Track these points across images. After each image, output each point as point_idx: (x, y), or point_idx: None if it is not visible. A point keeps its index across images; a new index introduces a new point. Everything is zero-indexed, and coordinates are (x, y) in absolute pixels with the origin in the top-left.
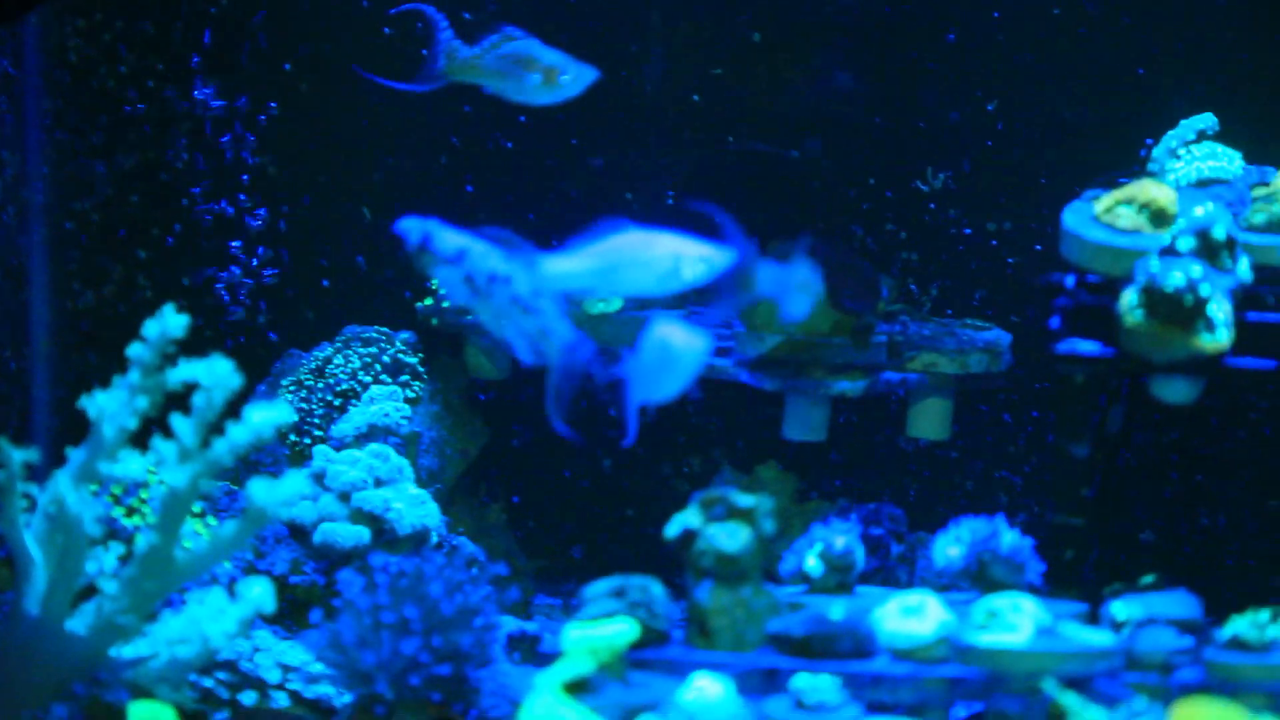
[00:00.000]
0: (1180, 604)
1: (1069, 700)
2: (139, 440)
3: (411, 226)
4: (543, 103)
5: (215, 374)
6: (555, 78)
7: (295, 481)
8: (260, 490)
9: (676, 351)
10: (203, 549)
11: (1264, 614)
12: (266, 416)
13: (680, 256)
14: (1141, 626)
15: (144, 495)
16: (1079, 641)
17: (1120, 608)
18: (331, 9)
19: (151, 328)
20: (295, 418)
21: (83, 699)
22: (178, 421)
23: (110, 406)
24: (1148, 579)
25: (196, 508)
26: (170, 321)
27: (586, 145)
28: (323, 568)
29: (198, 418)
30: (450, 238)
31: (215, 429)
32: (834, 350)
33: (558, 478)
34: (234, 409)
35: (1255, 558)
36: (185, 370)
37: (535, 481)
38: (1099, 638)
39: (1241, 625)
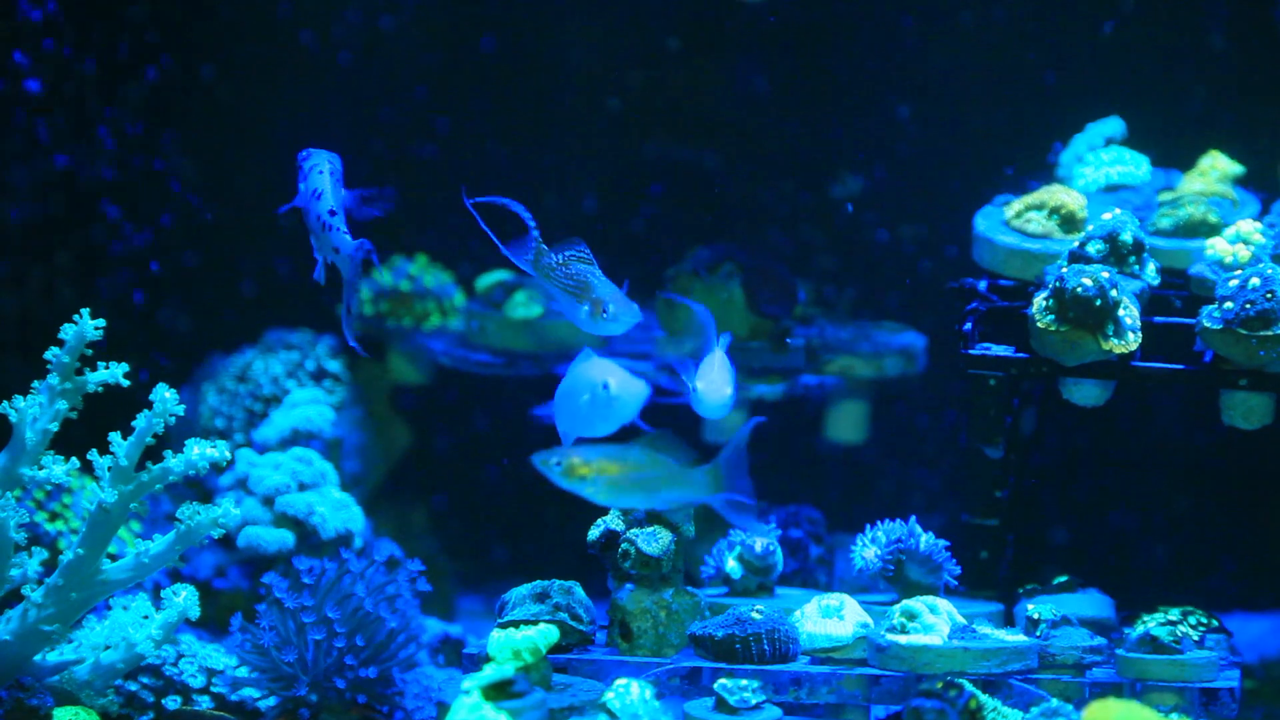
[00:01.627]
0: (1093, 603)
1: (984, 700)
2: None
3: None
4: (590, 332)
5: (160, 401)
6: (600, 311)
7: (227, 505)
8: (189, 513)
9: (613, 395)
10: (129, 563)
11: (1174, 612)
12: (204, 453)
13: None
14: (1055, 626)
15: (67, 500)
16: (994, 641)
17: (1034, 608)
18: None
19: (68, 331)
20: (230, 456)
21: (6, 704)
22: (116, 441)
23: (31, 411)
24: (1061, 579)
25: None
26: (86, 325)
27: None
28: (247, 572)
29: (136, 439)
30: (315, 160)
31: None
32: (752, 354)
33: (480, 481)
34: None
35: (1166, 557)
36: (104, 374)
37: (458, 485)
38: (1013, 637)
39: (1153, 624)
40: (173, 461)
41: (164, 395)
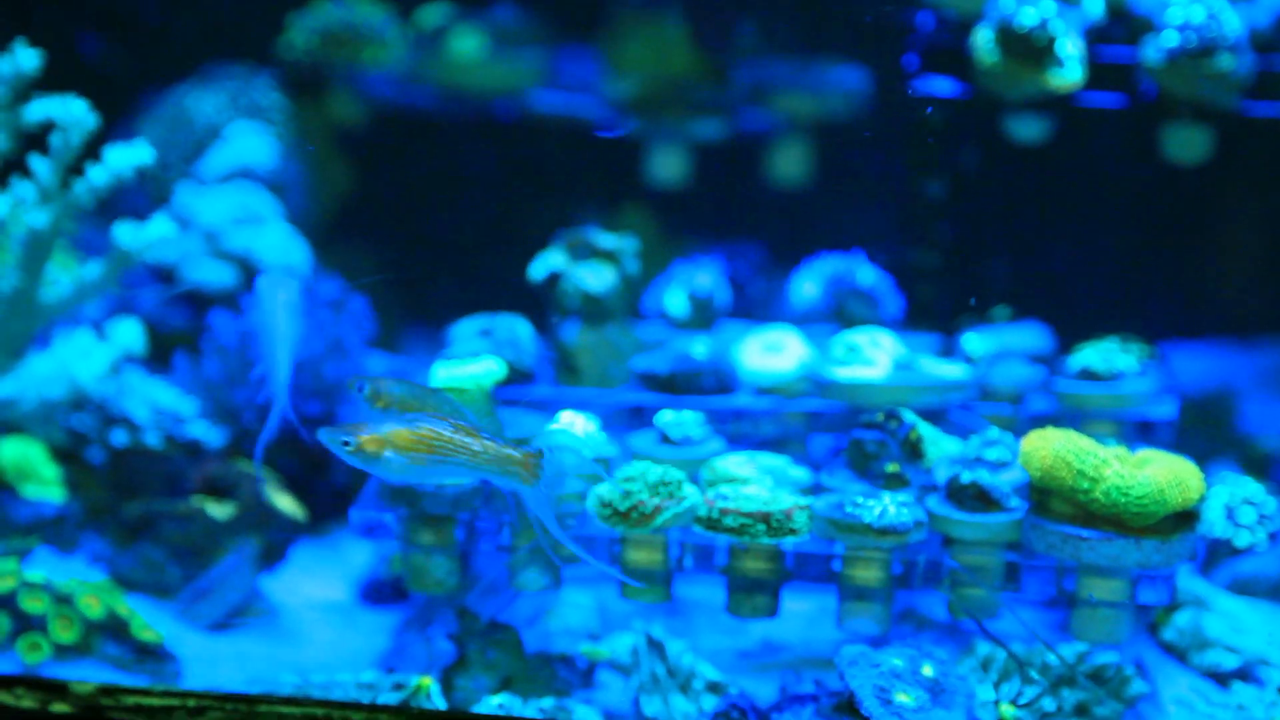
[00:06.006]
0: (1032, 335)
1: (925, 431)
2: None
3: None
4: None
5: (70, 114)
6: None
7: (160, 224)
8: (125, 232)
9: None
10: (68, 290)
11: (1112, 342)
12: (125, 156)
13: None
14: (995, 358)
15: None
16: (934, 374)
17: (974, 341)
18: None
19: (3, 64)
20: (154, 158)
21: None
22: (36, 162)
23: None
24: (1001, 311)
25: (60, 247)
26: (21, 56)
27: None
28: (190, 310)
29: (55, 158)
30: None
31: (75, 170)
32: (693, 91)
33: (424, 217)
34: (94, 150)
35: (1104, 289)
36: (41, 108)
37: (400, 221)
38: (953, 370)
39: (1090, 355)
40: (94, 172)
41: (72, 107)
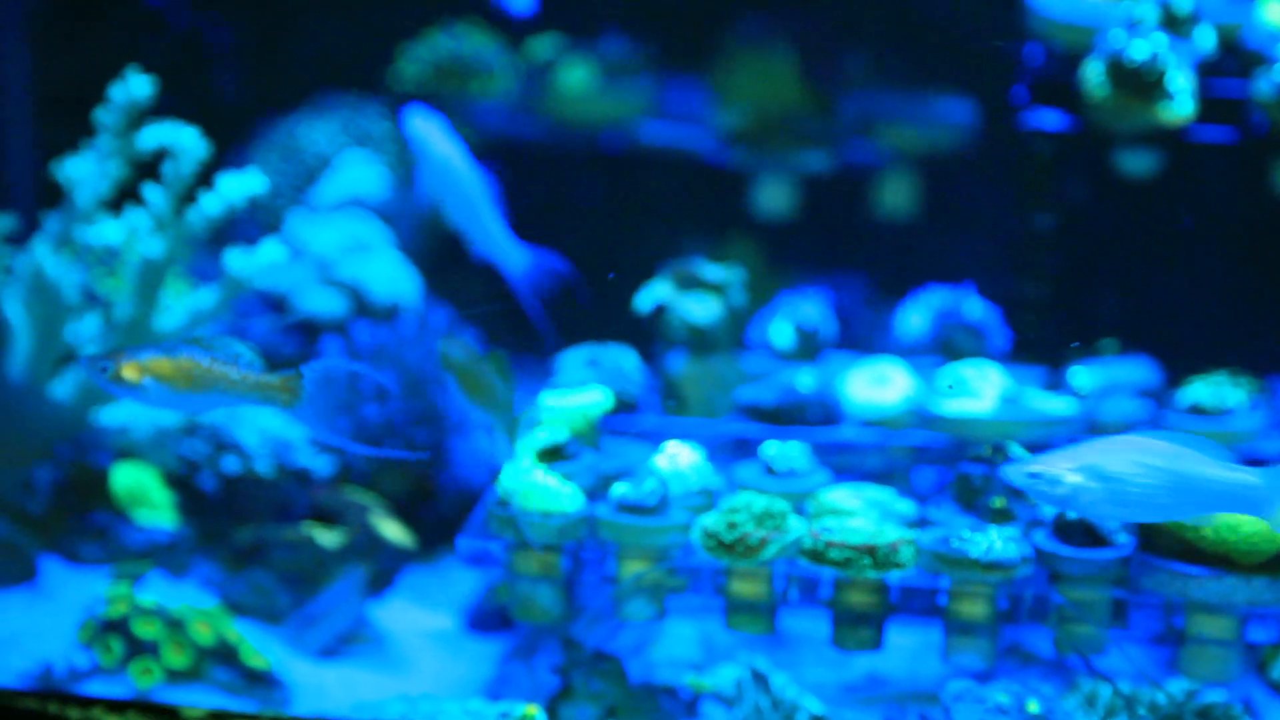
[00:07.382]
0: (1140, 370)
1: None
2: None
3: None
4: None
5: (181, 142)
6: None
7: (271, 249)
8: (237, 259)
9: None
10: (181, 317)
11: (1221, 377)
12: (238, 185)
13: None
14: (1102, 393)
15: (120, 260)
16: (1041, 409)
17: (1082, 375)
18: None
19: (117, 92)
20: (267, 186)
21: (66, 462)
22: (150, 190)
23: (81, 172)
24: (1109, 344)
25: (174, 274)
26: (135, 83)
27: None
28: (300, 338)
29: (168, 187)
30: None
31: (188, 197)
32: (800, 122)
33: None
34: (208, 178)
35: (1213, 323)
36: (154, 134)
37: None
38: (1061, 405)
39: (1199, 390)
40: (207, 201)
41: (183, 136)
